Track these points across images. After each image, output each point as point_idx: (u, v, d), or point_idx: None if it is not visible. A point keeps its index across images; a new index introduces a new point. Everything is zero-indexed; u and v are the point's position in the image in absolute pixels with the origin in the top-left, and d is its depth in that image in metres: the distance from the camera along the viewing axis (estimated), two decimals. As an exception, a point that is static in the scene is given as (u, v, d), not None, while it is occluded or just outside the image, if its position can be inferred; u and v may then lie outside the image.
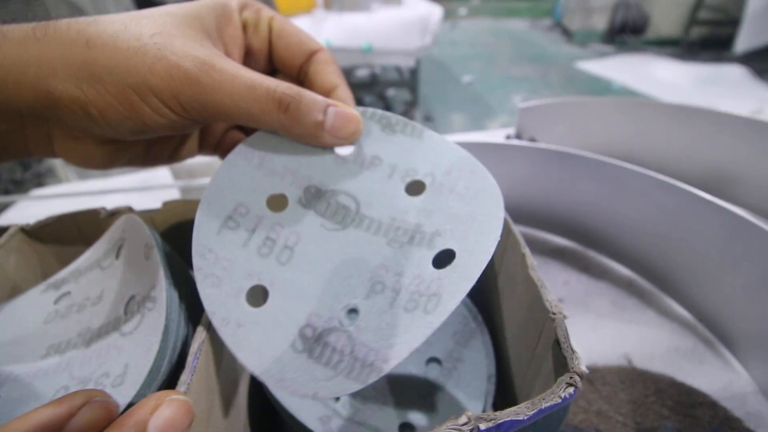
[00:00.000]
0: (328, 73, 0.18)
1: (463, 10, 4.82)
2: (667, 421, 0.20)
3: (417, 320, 0.14)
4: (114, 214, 0.21)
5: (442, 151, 0.17)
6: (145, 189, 0.40)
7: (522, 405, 0.11)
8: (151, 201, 0.23)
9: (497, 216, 0.15)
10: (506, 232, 0.18)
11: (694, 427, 0.20)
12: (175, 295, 0.15)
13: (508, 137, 0.42)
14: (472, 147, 0.33)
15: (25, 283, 0.21)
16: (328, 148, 0.16)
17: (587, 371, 0.12)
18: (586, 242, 0.33)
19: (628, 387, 0.22)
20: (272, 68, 0.19)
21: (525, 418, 0.11)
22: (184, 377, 0.12)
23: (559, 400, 0.11)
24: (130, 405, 0.13)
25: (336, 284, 0.15)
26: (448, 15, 3.96)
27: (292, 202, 0.16)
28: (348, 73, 2.82)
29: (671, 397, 0.21)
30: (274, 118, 0.14)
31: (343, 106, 0.15)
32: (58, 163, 1.03)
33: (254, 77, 0.14)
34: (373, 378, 0.13)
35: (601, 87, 2.80)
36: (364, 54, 1.82)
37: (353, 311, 0.15)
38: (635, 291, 0.28)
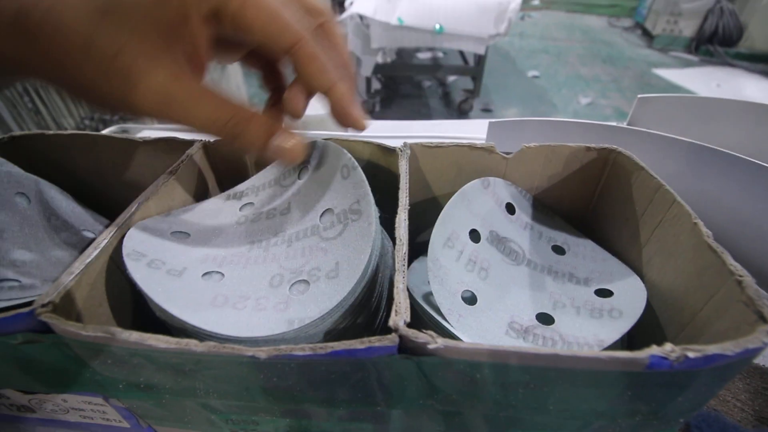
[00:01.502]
0: (317, 73, 0.17)
1: (535, 1, 4.59)
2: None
3: (607, 324, 0.18)
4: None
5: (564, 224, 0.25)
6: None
7: (727, 343, 0.12)
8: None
9: (631, 273, 0.21)
10: (668, 204, 0.19)
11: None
12: (377, 210, 0.17)
13: (615, 129, 0.41)
14: (589, 128, 0.33)
15: (204, 193, 0.24)
16: (501, 206, 0.23)
17: (789, 325, 0.12)
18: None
19: (745, 378, 0.23)
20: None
21: (732, 354, 0.12)
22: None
23: (761, 344, 0.12)
24: (342, 300, 0.15)
25: (524, 298, 0.21)
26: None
27: (483, 238, 0.22)
28: (409, 55, 2.79)
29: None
30: (231, 143, 0.17)
31: (289, 136, 0.17)
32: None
33: (210, 108, 0.16)
34: None
35: (678, 98, 2.60)
36: (434, 36, 1.79)
37: (546, 317, 0.20)
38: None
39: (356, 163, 0.19)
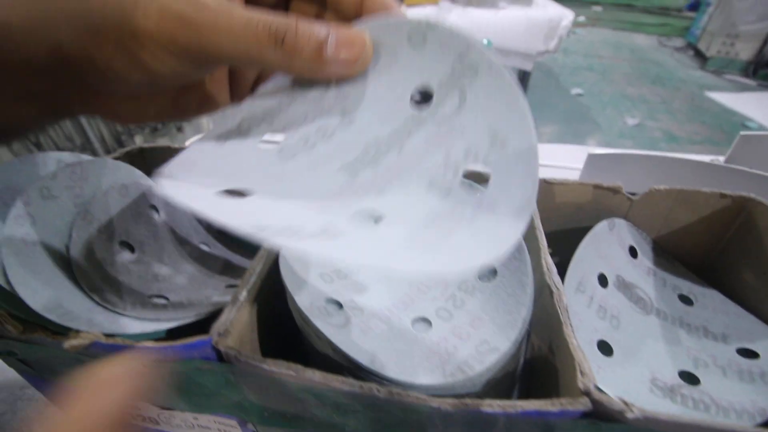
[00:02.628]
0: None
1: (581, 17, 4.51)
2: None
3: (763, 390, 0.17)
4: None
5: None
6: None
7: None
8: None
9: None
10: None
11: None
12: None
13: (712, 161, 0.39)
14: (696, 166, 0.32)
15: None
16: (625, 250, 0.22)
17: None
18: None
19: None
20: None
21: None
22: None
23: None
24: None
25: (661, 353, 0.19)
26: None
27: (610, 283, 0.21)
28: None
29: None
30: (272, 54, 0.13)
31: (345, 30, 0.13)
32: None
33: (250, 14, 0.13)
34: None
35: (733, 123, 2.48)
36: (480, 50, 1.79)
37: (689, 376, 0.18)
38: None
39: (431, 23, 0.13)
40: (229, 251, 0.25)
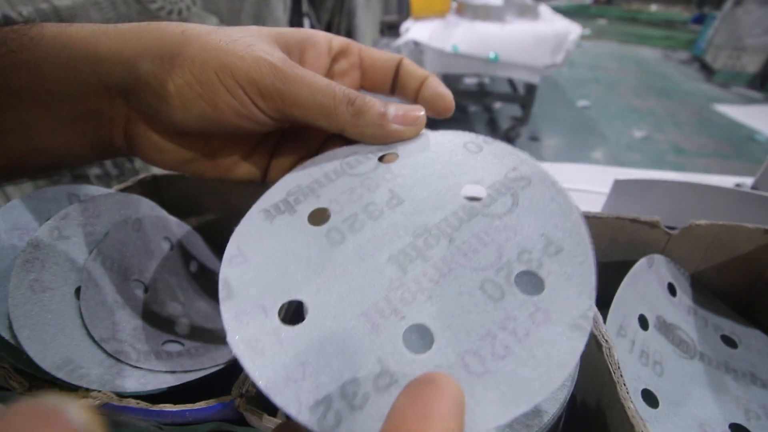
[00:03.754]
0: (416, 71, 0.19)
1: (586, 30, 4.54)
2: None
3: None
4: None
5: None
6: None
7: None
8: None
9: None
10: None
11: None
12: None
13: (738, 186, 0.38)
14: (721, 193, 0.31)
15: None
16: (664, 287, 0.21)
17: None
18: None
19: None
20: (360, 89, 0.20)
21: None
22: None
23: None
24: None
25: (709, 403, 0.18)
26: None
27: (651, 325, 0.19)
28: (455, 80, 2.80)
29: None
30: (343, 112, 0.15)
31: (409, 107, 0.16)
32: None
33: (330, 81, 0.15)
34: None
35: (741, 136, 2.47)
36: (487, 64, 1.79)
37: (741, 429, 0.17)
38: None
39: (488, 138, 0.15)
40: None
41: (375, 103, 0.15)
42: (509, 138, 2.23)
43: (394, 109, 0.16)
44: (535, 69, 1.71)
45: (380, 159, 0.16)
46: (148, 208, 0.21)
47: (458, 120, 2.50)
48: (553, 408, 0.13)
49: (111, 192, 0.19)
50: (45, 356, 0.13)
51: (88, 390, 0.13)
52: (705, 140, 2.36)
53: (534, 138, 2.31)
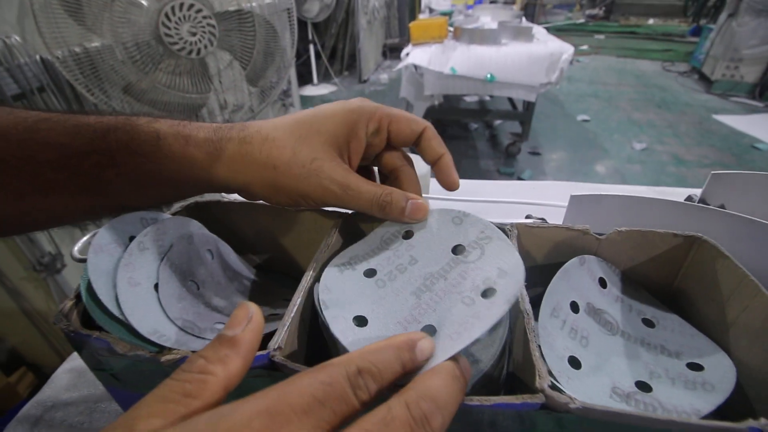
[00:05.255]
0: (434, 146, 0.25)
1: (584, 46, 4.61)
2: None
3: (702, 396, 0.21)
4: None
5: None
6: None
7: None
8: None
9: (719, 350, 0.24)
10: (753, 293, 0.22)
11: None
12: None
13: (689, 199, 0.44)
14: (669, 206, 0.36)
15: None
16: (595, 281, 0.27)
17: None
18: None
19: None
20: (389, 146, 0.27)
21: None
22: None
23: None
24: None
25: (623, 367, 0.24)
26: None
27: (581, 309, 0.25)
28: (456, 99, 2.88)
29: None
30: (377, 212, 0.24)
31: (419, 201, 0.24)
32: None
33: (370, 190, 0.23)
34: None
35: (742, 145, 2.48)
36: (485, 84, 1.86)
37: (644, 385, 0.23)
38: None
39: (467, 212, 0.24)
40: (270, 284, 0.30)
41: (398, 203, 0.23)
42: (510, 153, 2.29)
43: (411, 206, 0.24)
44: (530, 87, 1.79)
45: (403, 235, 0.25)
46: (196, 227, 0.27)
47: (460, 137, 2.57)
48: (487, 357, 0.19)
49: (170, 216, 0.26)
50: (142, 327, 0.19)
51: (170, 349, 0.19)
52: (706, 150, 2.39)
53: (534, 153, 2.37)
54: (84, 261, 0.21)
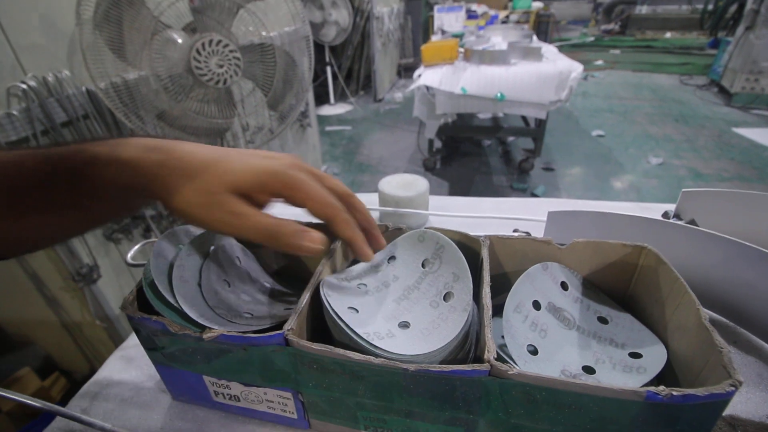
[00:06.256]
0: (339, 232, 0.27)
1: (598, 61, 4.61)
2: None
3: (634, 377, 0.26)
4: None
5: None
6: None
7: (700, 389, 0.19)
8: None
9: (657, 341, 0.28)
10: (682, 293, 0.26)
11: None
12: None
13: (665, 214, 0.48)
14: (635, 221, 0.41)
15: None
16: (557, 284, 0.32)
17: (743, 382, 0.20)
18: (737, 320, 0.37)
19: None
20: None
21: (702, 395, 0.19)
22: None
23: (724, 392, 0.19)
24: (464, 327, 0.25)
25: (574, 355, 0.28)
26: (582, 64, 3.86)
27: (543, 307, 0.30)
28: (470, 116, 2.93)
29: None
30: (271, 242, 0.25)
31: (310, 233, 0.25)
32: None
33: (264, 220, 0.24)
34: None
35: (764, 158, 2.43)
36: (495, 103, 1.92)
37: (589, 369, 0.27)
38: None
39: (425, 230, 0.32)
40: (283, 287, 0.36)
41: (290, 234, 0.25)
42: (523, 169, 2.33)
43: (302, 235, 0.25)
44: (540, 105, 1.83)
45: (388, 260, 0.32)
46: (227, 238, 0.34)
47: (473, 154, 2.62)
48: (452, 338, 0.25)
49: (209, 231, 0.33)
50: (192, 312, 0.26)
51: (210, 328, 0.25)
52: (725, 164, 2.35)
53: (548, 168, 2.39)
54: (135, 266, 0.28)
